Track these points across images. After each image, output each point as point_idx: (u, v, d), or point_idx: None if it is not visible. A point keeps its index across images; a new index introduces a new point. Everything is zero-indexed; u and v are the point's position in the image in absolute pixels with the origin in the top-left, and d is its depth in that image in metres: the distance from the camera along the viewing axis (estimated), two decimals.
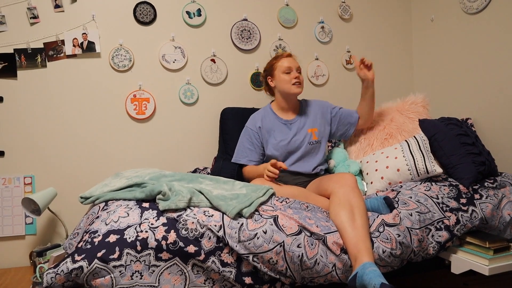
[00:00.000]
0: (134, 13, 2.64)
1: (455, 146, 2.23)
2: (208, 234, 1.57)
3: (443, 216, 1.94)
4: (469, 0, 2.84)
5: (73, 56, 2.55)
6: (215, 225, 1.57)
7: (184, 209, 1.62)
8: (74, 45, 2.54)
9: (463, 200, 2.04)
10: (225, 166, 2.33)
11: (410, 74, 3.40)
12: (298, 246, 1.61)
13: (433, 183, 2.14)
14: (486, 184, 2.19)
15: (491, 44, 2.72)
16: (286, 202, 1.81)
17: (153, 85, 2.67)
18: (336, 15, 3.14)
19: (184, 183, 1.80)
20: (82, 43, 2.54)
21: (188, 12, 2.74)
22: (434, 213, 1.93)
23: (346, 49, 3.16)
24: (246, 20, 2.87)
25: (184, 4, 2.74)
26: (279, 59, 2.35)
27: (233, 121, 2.60)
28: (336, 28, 3.14)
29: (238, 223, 1.61)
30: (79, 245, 1.49)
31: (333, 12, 3.13)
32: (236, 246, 1.56)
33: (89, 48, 2.56)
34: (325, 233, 1.68)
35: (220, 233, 1.56)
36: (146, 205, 1.65)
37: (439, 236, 1.89)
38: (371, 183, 2.26)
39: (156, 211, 1.60)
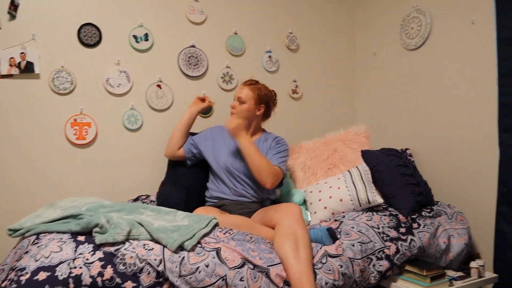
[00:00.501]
0: (78, 34, 2.55)
1: (395, 176, 2.31)
2: (147, 269, 1.50)
3: (383, 245, 1.99)
4: (408, 37, 3.01)
5: (9, 76, 2.41)
6: (155, 259, 1.51)
7: (123, 242, 1.54)
8: (10, 65, 2.40)
9: (403, 230, 2.11)
10: (173, 191, 2.27)
11: (353, 105, 3.52)
12: (241, 280, 1.58)
13: (375, 213, 2.19)
14: (423, 213, 2.28)
15: (428, 78, 2.88)
16: (229, 233, 1.78)
17: (95, 110, 2.58)
18: (283, 45, 3.21)
19: (123, 214, 1.72)
20: (19, 63, 2.42)
21: (135, 36, 2.70)
22: (375, 242, 1.98)
23: (293, 79, 3.22)
24: (194, 46, 2.86)
25: (131, 28, 2.69)
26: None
27: None
28: (283, 58, 3.20)
29: (180, 256, 1.55)
30: (3, 285, 1.37)
31: (281, 42, 3.20)
32: (176, 281, 1.51)
33: (27, 69, 2.43)
34: (268, 266, 1.67)
35: (160, 268, 1.50)
36: (81, 238, 1.56)
37: (380, 265, 1.94)
38: (315, 213, 2.28)
39: (92, 245, 1.51)
